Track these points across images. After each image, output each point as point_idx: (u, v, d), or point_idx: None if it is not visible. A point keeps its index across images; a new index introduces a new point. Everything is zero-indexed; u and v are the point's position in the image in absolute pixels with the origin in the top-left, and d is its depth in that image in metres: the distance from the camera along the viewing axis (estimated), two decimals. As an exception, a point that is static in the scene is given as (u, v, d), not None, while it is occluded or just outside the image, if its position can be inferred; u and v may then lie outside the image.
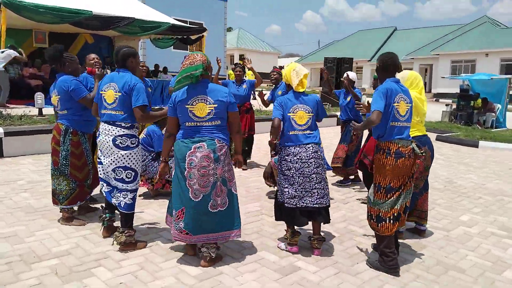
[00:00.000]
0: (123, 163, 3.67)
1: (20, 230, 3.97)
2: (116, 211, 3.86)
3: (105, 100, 3.69)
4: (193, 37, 14.19)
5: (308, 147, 3.72)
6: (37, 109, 8.35)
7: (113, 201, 3.72)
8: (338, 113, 7.41)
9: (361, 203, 5.45)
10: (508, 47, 29.35)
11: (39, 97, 8.14)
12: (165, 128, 3.85)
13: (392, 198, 3.48)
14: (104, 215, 3.89)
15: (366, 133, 5.38)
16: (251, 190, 5.74)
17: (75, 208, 4.37)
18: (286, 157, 3.72)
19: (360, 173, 5.71)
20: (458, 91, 15.80)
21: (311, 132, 3.79)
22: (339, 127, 6.46)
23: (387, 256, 3.51)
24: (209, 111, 3.39)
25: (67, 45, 15.05)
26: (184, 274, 3.29)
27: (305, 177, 3.68)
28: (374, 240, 4.11)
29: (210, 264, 3.42)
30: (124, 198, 3.69)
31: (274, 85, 6.69)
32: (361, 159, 5.35)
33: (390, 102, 3.43)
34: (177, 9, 20.32)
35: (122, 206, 3.68)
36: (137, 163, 3.76)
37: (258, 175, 6.54)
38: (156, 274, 3.27)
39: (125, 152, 3.66)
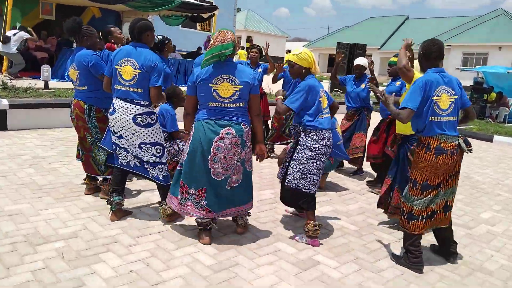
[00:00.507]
0: (150, 139, 3.61)
1: (25, 208, 3.77)
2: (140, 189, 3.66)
3: (121, 76, 3.49)
4: (204, 16, 13.82)
5: (330, 133, 3.68)
6: (43, 82, 8.09)
7: (151, 173, 3.70)
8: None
9: (368, 191, 5.31)
10: (522, 41, 28.84)
11: (45, 69, 7.87)
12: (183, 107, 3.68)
13: (428, 196, 3.25)
14: (112, 199, 3.68)
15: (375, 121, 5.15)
16: (264, 176, 5.53)
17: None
18: (320, 140, 3.55)
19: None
20: (470, 84, 15.48)
21: (329, 116, 3.75)
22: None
23: (412, 253, 3.33)
24: (234, 91, 3.26)
25: (74, 18, 14.69)
26: (198, 264, 3.09)
27: (324, 162, 3.66)
28: (395, 236, 3.93)
29: (245, 230, 3.66)
30: (161, 171, 3.72)
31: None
32: (385, 151, 5.16)
33: (428, 95, 3.17)
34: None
35: (162, 179, 3.72)
36: (162, 136, 3.75)
37: (270, 160, 6.33)
38: (168, 262, 3.08)
39: (148, 129, 3.58)
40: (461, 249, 3.82)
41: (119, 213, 3.74)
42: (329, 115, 3.74)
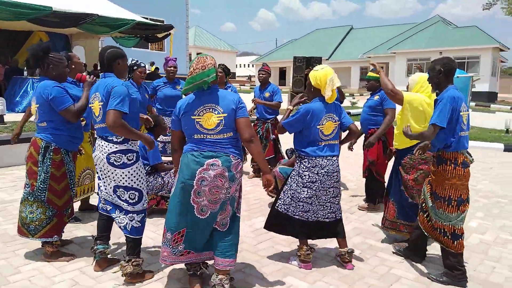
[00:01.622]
0: (123, 183, 3.17)
1: (1, 267, 3.35)
2: (125, 239, 3.33)
3: (93, 114, 3.22)
4: (159, 36, 13.51)
5: (334, 160, 3.51)
6: (-3, 116, 7.47)
7: (118, 222, 3.23)
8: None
9: (359, 209, 5.29)
10: (460, 46, 30.62)
11: (0, 102, 7.28)
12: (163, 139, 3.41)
13: (464, 211, 3.37)
14: (96, 247, 3.32)
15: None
16: (251, 202, 5.33)
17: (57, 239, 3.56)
18: (312, 168, 3.43)
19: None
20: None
21: (336, 142, 3.57)
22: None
23: (458, 270, 3.38)
24: (218, 121, 2.93)
25: (20, 43, 13.90)
26: (210, 313, 2.85)
27: (324, 190, 3.47)
28: (397, 256, 3.86)
29: None
30: (131, 220, 3.20)
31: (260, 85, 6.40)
32: (369, 167, 5.17)
33: (458, 111, 3.25)
34: (133, 5, 17.92)
35: (129, 230, 3.19)
36: (140, 181, 3.25)
37: (252, 183, 6.15)
38: (178, 315, 2.81)
39: (123, 170, 3.15)
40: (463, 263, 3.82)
41: (104, 263, 3.37)
42: (335, 141, 3.55)
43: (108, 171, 3.15)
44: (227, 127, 2.96)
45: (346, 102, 19.64)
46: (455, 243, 3.34)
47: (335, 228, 3.63)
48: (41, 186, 3.41)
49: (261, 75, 6.32)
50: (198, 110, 2.94)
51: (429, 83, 3.49)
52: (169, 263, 3.05)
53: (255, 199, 5.47)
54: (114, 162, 3.12)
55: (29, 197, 3.45)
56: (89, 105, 3.24)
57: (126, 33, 13.20)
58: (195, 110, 2.94)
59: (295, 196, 3.49)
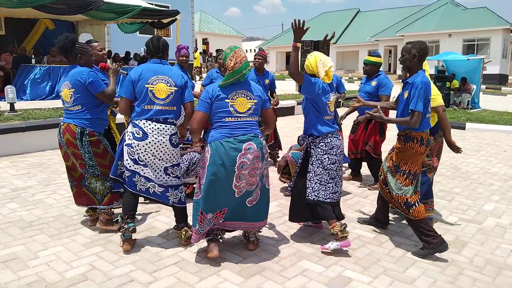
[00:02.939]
0: (175, 160, 3.50)
1: (19, 252, 3.38)
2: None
3: (154, 95, 3.33)
4: (165, 21, 13.39)
5: (339, 134, 3.68)
6: (8, 104, 7.46)
7: (171, 200, 3.51)
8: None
9: (369, 189, 5.42)
10: (469, 27, 30.11)
11: (9, 91, 7.25)
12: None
13: (415, 183, 3.58)
14: (127, 226, 3.40)
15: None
16: (262, 187, 5.32)
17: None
18: (330, 150, 3.56)
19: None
20: (432, 72, 15.87)
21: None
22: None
23: (430, 236, 3.49)
24: (250, 106, 3.29)
25: (25, 31, 13.86)
26: (228, 296, 2.86)
27: (340, 168, 3.64)
28: (412, 239, 3.85)
29: (257, 247, 3.55)
30: (181, 192, 3.57)
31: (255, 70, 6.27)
32: (365, 148, 5.24)
33: (428, 97, 3.45)
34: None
35: (183, 200, 3.57)
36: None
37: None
38: (196, 299, 2.82)
39: (176, 149, 3.49)
40: (480, 247, 3.80)
41: (133, 241, 3.49)
42: (333, 116, 3.72)
43: (166, 152, 3.39)
44: (255, 112, 3.33)
45: (355, 86, 19.43)
46: (411, 210, 3.52)
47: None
48: (90, 163, 3.71)
49: (257, 60, 6.19)
50: (231, 95, 3.24)
51: (401, 64, 3.62)
52: (203, 233, 3.27)
53: (267, 184, 5.46)
54: (174, 143, 3.44)
55: (86, 175, 3.74)
56: (146, 86, 3.32)
57: (132, 19, 13.10)
58: (229, 94, 3.24)
59: (322, 179, 3.55)
